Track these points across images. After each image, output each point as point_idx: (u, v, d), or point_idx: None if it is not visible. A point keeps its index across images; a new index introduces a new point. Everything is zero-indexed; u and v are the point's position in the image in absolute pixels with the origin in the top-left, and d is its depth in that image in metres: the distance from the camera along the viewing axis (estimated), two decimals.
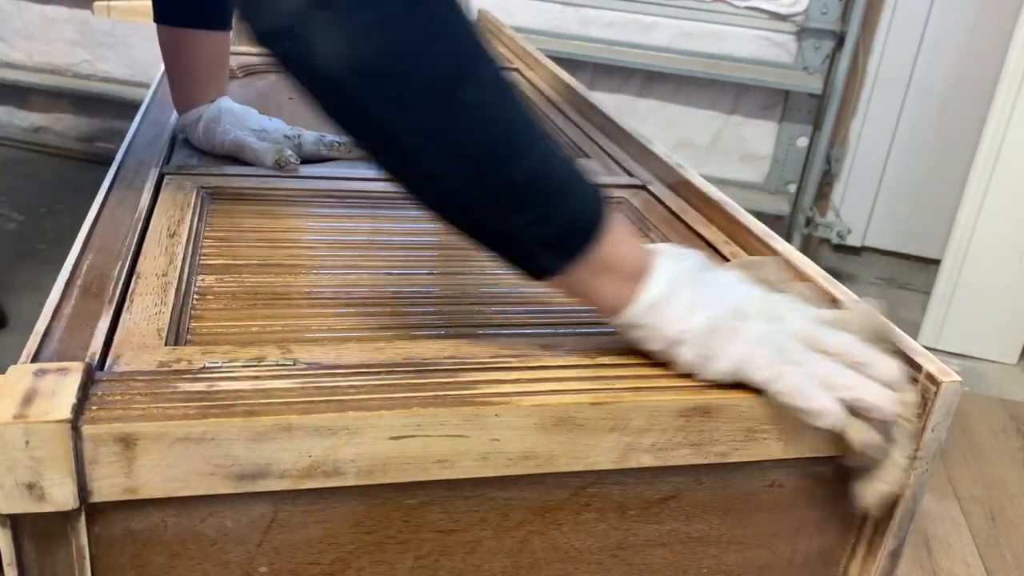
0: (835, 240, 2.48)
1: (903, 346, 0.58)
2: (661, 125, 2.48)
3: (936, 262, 2.22)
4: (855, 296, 0.66)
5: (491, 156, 0.52)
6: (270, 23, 0.49)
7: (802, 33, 2.32)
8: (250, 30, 0.50)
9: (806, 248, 2.50)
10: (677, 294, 0.55)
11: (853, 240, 2.49)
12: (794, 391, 0.54)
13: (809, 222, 2.46)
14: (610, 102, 2.44)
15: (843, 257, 2.55)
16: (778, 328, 0.56)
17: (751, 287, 0.59)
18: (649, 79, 2.45)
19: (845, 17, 2.28)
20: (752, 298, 0.57)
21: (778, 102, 2.42)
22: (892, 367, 0.55)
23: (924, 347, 0.59)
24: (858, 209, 2.48)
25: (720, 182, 2.43)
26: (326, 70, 0.48)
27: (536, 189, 0.53)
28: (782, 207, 2.43)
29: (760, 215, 0.78)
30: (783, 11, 2.31)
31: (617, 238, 0.55)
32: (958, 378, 0.56)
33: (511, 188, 0.52)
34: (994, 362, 2.17)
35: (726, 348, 0.55)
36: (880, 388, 0.54)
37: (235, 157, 0.90)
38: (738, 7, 2.34)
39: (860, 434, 0.54)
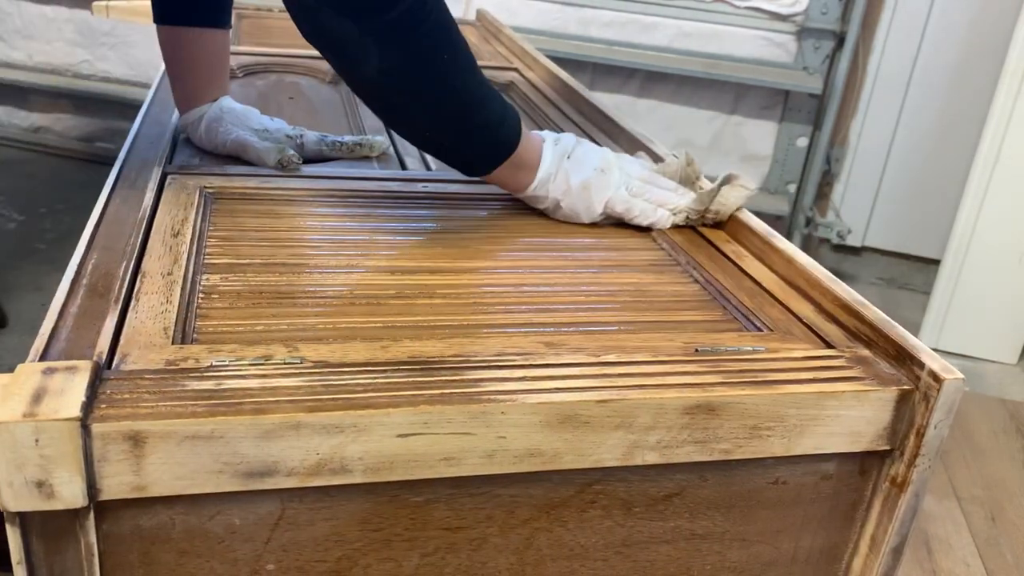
0: (835, 240, 2.49)
1: (704, 181, 0.86)
2: (661, 125, 2.48)
3: (936, 262, 2.22)
4: (858, 295, 0.67)
5: (463, 117, 0.77)
6: (330, 38, 0.71)
7: (802, 33, 2.32)
8: (307, 38, 0.73)
9: (806, 248, 2.51)
10: (559, 168, 0.82)
11: (853, 240, 2.50)
12: (641, 214, 0.83)
13: (809, 222, 2.46)
14: (610, 102, 2.44)
15: (843, 257, 2.56)
16: (626, 174, 0.83)
17: (606, 150, 0.85)
18: (649, 79, 2.45)
19: (845, 17, 2.28)
20: (607, 158, 0.84)
21: (778, 102, 2.42)
22: (690, 195, 0.85)
23: None
24: (858, 209, 2.48)
25: None
26: (368, 72, 0.71)
27: (486, 129, 0.78)
28: (782, 207, 2.43)
29: (760, 215, 0.79)
30: (783, 11, 2.31)
31: (524, 145, 0.80)
32: (960, 375, 0.56)
33: (472, 133, 0.78)
34: (994, 362, 2.17)
35: (598, 196, 0.82)
36: (685, 200, 0.84)
37: (237, 157, 0.90)
38: (738, 7, 2.34)
39: (680, 220, 0.84)
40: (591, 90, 2.40)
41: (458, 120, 0.77)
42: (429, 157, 0.96)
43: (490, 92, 0.78)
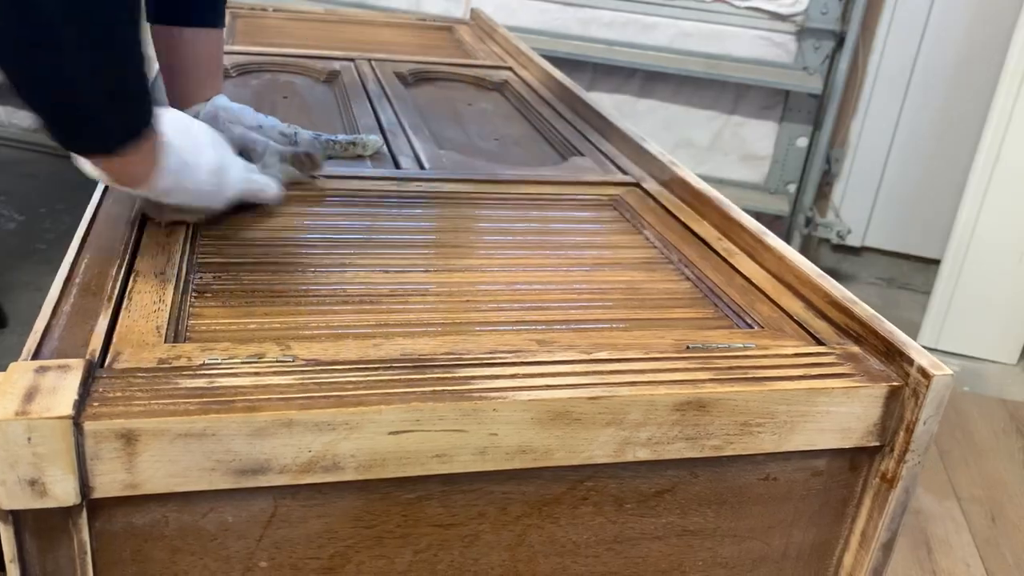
0: (835, 240, 2.49)
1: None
2: (661, 125, 2.48)
3: (936, 262, 2.22)
4: (848, 292, 0.67)
5: (117, 69, 0.59)
6: None
7: (802, 33, 2.32)
8: None
9: (806, 248, 2.51)
10: (187, 154, 0.71)
11: (853, 240, 2.50)
12: (261, 191, 0.80)
13: (809, 222, 2.46)
14: (610, 102, 2.44)
15: (843, 257, 2.56)
16: (240, 159, 0.80)
17: (214, 133, 0.78)
18: (649, 79, 2.45)
19: (845, 17, 2.28)
20: (221, 143, 0.78)
21: (778, 102, 2.42)
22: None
23: (924, 347, 0.59)
24: (858, 209, 2.48)
25: (720, 182, 2.44)
26: None
27: (135, 95, 0.62)
28: (782, 207, 2.43)
29: (760, 215, 0.79)
30: (783, 11, 2.31)
31: (147, 134, 0.65)
32: (949, 371, 0.56)
33: (120, 93, 0.61)
34: (994, 362, 2.17)
35: (231, 178, 0.76)
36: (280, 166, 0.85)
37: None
38: (738, 7, 2.34)
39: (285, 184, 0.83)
40: (591, 90, 2.40)
41: (110, 72, 0.59)
42: (423, 157, 0.96)
43: (145, 59, 0.62)
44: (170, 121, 0.70)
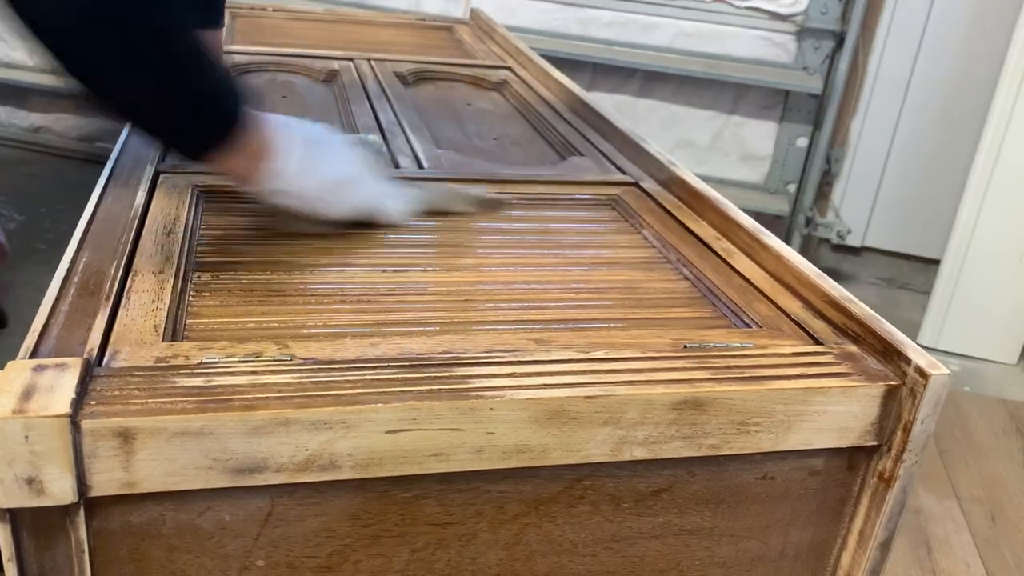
0: (835, 240, 2.49)
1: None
2: (661, 125, 2.48)
3: (936, 262, 2.22)
4: (846, 291, 0.67)
5: (176, 80, 0.64)
6: None
7: (802, 33, 2.32)
8: None
9: (806, 248, 2.51)
10: (307, 161, 0.72)
11: (853, 240, 2.49)
12: (387, 210, 0.79)
13: (809, 222, 2.46)
14: (610, 102, 2.44)
15: (843, 257, 2.56)
16: (374, 169, 0.80)
17: (351, 148, 0.80)
18: (649, 79, 2.45)
19: (845, 17, 2.28)
20: (356, 158, 0.79)
21: (778, 102, 2.42)
22: (417, 189, 0.84)
23: (924, 347, 0.59)
24: (858, 209, 2.48)
25: (720, 182, 2.43)
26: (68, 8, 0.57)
27: (200, 100, 0.66)
28: (782, 207, 2.43)
29: (760, 215, 0.79)
30: (783, 11, 2.31)
31: (256, 129, 0.69)
32: (946, 371, 0.56)
33: (183, 103, 0.65)
34: (994, 362, 2.17)
35: (354, 192, 0.76)
36: (417, 193, 0.83)
37: None
38: (738, 7, 2.34)
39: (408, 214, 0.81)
40: (591, 90, 2.40)
41: (170, 83, 0.64)
42: (422, 156, 0.96)
43: (209, 61, 0.67)
44: (292, 127, 0.74)
